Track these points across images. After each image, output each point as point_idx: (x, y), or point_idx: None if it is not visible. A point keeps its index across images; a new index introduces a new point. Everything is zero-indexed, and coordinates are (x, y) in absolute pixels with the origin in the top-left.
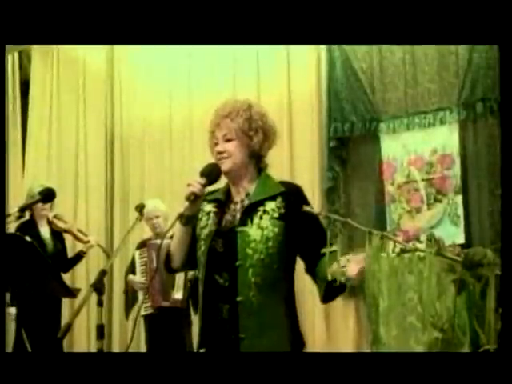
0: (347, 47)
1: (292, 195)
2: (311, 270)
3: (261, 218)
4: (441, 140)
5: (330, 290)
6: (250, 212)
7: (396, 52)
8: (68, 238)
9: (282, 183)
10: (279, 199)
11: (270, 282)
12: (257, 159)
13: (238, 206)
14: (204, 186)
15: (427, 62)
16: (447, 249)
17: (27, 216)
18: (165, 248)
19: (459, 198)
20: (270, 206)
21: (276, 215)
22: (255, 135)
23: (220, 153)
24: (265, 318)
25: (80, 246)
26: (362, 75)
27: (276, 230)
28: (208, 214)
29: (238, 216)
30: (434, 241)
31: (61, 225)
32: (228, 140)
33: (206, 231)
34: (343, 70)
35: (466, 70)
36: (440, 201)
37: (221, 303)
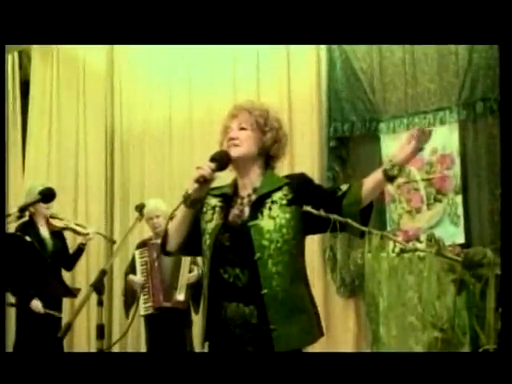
0: (347, 47)
1: (297, 180)
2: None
3: (270, 208)
4: (441, 140)
5: (365, 212)
6: (258, 206)
7: (396, 52)
8: (69, 235)
9: (286, 176)
10: (285, 188)
11: (289, 268)
12: (266, 157)
13: (245, 201)
14: (213, 170)
15: (427, 62)
16: (447, 249)
17: (27, 216)
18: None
19: (459, 198)
20: (277, 195)
21: (284, 202)
22: (269, 131)
23: (232, 139)
24: (291, 304)
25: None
26: (362, 75)
27: (287, 216)
28: (213, 208)
29: (246, 210)
30: (434, 241)
31: (58, 224)
32: (242, 129)
33: (211, 225)
34: (343, 69)
35: (466, 69)
36: (440, 201)
37: (225, 299)
